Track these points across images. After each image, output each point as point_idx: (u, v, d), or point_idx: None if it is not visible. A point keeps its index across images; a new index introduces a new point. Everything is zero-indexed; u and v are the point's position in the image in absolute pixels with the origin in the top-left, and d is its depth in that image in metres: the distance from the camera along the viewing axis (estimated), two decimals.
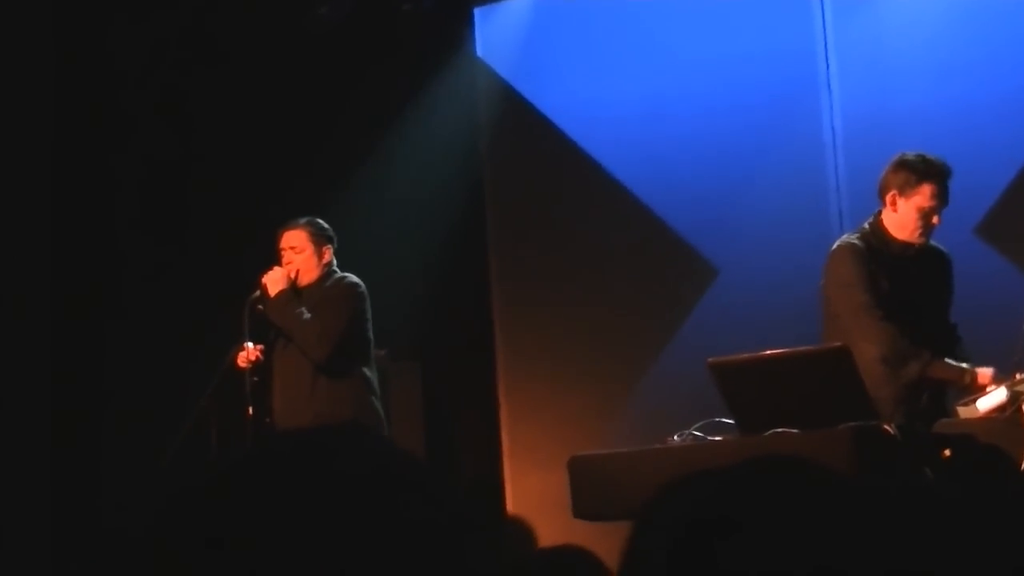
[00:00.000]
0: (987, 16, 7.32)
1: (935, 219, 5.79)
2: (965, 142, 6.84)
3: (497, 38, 8.52)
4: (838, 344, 5.33)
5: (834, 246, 5.91)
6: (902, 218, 5.79)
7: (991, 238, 7.13)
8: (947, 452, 4.97)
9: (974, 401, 5.28)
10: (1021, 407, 5.00)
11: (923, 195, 5.75)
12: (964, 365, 5.56)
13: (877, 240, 5.82)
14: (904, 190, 5.75)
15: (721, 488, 1.25)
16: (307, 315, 6.68)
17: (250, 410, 6.61)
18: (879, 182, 5.87)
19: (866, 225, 5.91)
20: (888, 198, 5.79)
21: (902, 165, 5.81)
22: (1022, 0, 7.25)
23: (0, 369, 7.71)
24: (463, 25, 8.54)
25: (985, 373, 5.45)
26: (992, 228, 7.13)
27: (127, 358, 8.20)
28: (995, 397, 5.19)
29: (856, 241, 5.82)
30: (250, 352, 6.68)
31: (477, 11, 8.55)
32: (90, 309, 8.18)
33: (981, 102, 7.24)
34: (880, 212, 5.88)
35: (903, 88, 7.44)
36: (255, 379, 6.67)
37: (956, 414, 5.44)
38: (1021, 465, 4.84)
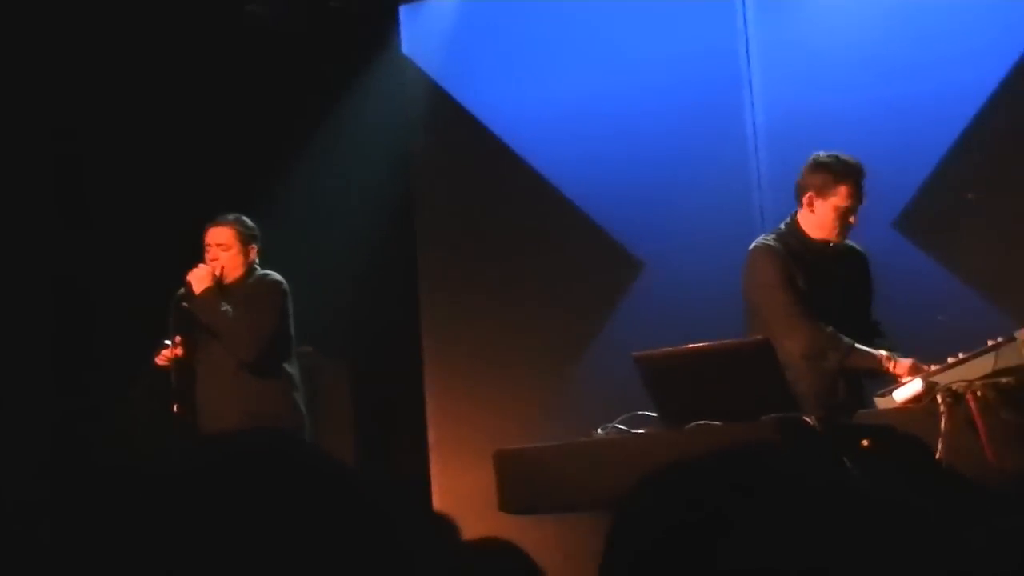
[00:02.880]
0: (904, 18, 7.42)
1: (852, 218, 5.87)
2: (883, 139, 6.93)
3: (423, 36, 8.53)
4: (760, 337, 5.40)
5: (751, 248, 5.97)
6: (820, 218, 5.85)
7: (908, 232, 7.23)
8: (866, 442, 5.03)
9: (891, 392, 5.32)
10: (936, 397, 5.01)
11: (840, 196, 5.82)
12: (883, 352, 5.64)
13: (795, 240, 5.89)
14: (821, 191, 5.82)
15: (703, 482, 1.26)
16: (231, 313, 6.71)
17: (175, 406, 6.64)
18: (796, 184, 5.94)
19: (782, 226, 5.98)
20: (805, 199, 5.86)
21: (818, 167, 5.87)
22: (942, 2, 7.36)
23: None
24: (389, 22, 8.54)
25: (904, 363, 5.54)
26: (909, 223, 7.23)
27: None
28: (911, 388, 5.22)
29: (772, 243, 5.89)
30: (170, 350, 6.71)
31: (403, 8, 8.56)
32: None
33: (898, 100, 7.33)
34: (796, 213, 5.94)
35: (822, 87, 7.52)
36: (173, 377, 6.68)
37: (874, 405, 5.47)
38: (936, 454, 4.89)
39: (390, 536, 1.23)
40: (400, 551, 1.23)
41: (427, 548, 1.31)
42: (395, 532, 1.23)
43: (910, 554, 1.16)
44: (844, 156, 5.89)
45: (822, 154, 5.92)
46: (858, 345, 5.71)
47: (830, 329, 5.72)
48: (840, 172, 5.83)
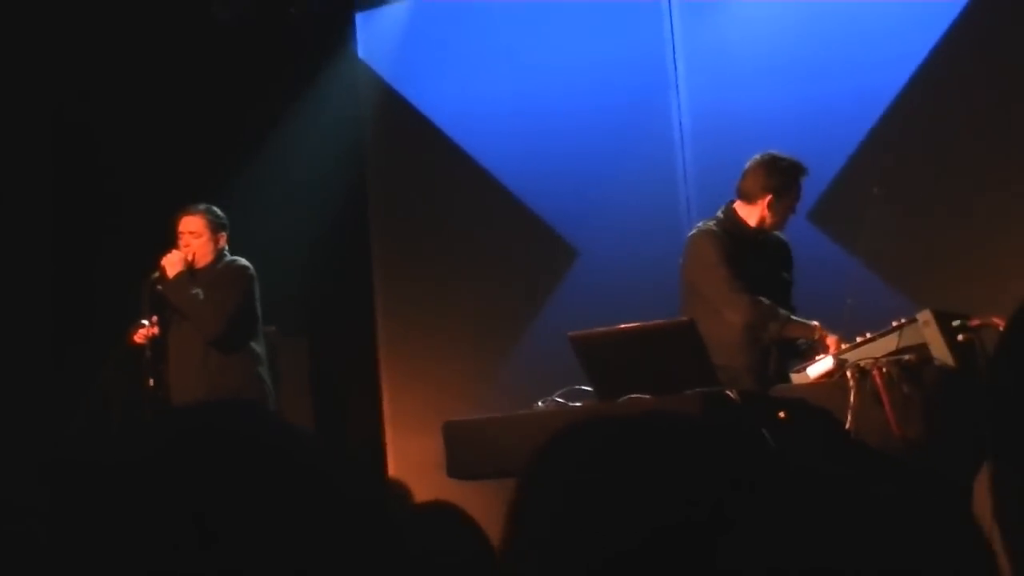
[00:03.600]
0: (818, 26, 7.68)
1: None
2: (798, 137, 7.10)
3: (378, 41, 8.75)
4: (685, 319, 5.62)
5: (693, 232, 6.18)
6: (775, 215, 6.10)
7: (821, 223, 7.49)
8: (782, 414, 5.15)
9: (805, 369, 5.59)
10: (846, 373, 5.29)
11: (795, 195, 6.13)
12: (816, 323, 5.88)
13: (732, 228, 6.12)
14: (781, 193, 6.08)
15: (611, 440, 1.22)
16: (201, 295, 6.97)
17: (150, 382, 6.88)
18: (749, 184, 6.12)
19: (720, 214, 6.19)
20: (765, 201, 6.07)
21: (775, 170, 6.09)
22: (851, 13, 7.60)
23: None
24: (346, 28, 8.75)
25: (833, 337, 5.73)
26: (822, 214, 7.48)
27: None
28: (823, 365, 5.50)
29: (713, 227, 6.12)
30: (147, 329, 6.96)
31: (359, 16, 8.79)
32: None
33: (812, 102, 7.60)
34: (732, 203, 6.18)
35: (744, 89, 7.77)
36: (149, 354, 6.92)
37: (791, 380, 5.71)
38: (846, 424, 5.17)
39: (344, 496, 1.23)
40: (356, 512, 1.24)
41: (379, 508, 1.25)
42: (348, 493, 1.24)
43: (912, 553, 1.13)
44: (790, 157, 6.15)
45: (772, 156, 6.14)
46: (793, 316, 5.99)
47: (768, 302, 5.97)
48: (796, 175, 6.11)
